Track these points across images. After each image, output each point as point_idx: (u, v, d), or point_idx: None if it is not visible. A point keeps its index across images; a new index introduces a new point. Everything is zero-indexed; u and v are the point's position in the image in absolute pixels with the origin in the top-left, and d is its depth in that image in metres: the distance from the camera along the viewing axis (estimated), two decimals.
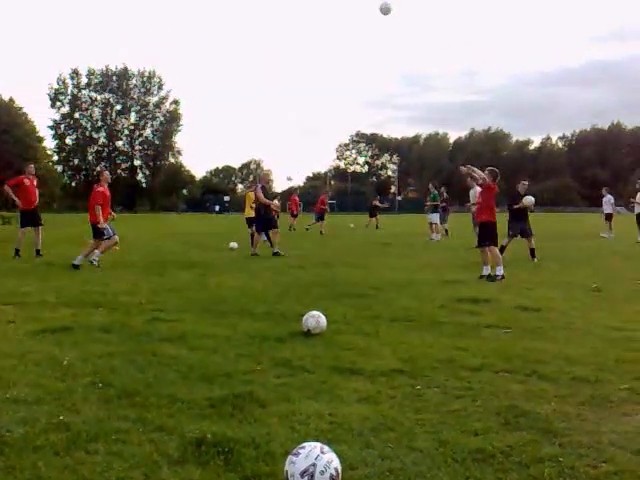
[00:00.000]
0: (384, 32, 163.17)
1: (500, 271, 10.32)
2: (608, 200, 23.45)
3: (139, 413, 3.71)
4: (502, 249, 13.77)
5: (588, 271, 11.59)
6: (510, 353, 5.16)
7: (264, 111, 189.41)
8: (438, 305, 7.62)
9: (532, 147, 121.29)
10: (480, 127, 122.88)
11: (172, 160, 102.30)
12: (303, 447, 2.66)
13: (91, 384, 4.30)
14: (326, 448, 2.68)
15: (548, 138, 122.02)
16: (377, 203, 33.90)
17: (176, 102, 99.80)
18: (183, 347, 5.39)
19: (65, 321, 6.52)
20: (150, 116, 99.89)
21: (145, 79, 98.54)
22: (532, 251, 13.78)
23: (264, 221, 15.30)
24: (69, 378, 4.45)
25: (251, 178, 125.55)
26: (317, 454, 2.60)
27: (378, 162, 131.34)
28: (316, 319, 5.98)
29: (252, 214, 17.03)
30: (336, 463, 2.64)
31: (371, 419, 3.55)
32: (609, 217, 23.07)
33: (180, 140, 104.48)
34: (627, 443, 3.23)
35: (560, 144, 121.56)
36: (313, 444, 2.69)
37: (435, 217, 21.99)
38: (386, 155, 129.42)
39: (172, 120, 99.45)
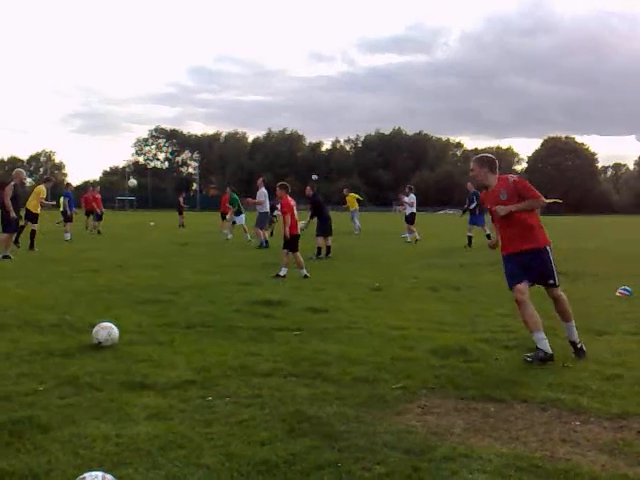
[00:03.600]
0: (174, 22, 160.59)
1: (303, 272, 11.19)
2: (409, 200, 23.86)
3: None
4: (320, 250, 15.10)
5: (373, 270, 12.48)
6: (298, 356, 5.41)
7: (52, 99, 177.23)
8: (234, 309, 7.74)
9: (324, 149, 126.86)
10: (276, 128, 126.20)
11: None
12: (83, 478, 2.59)
13: None
14: (109, 476, 2.63)
15: (337, 141, 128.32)
16: (180, 200, 33.25)
17: None
18: None
19: None
20: None
21: None
22: (329, 249, 15.04)
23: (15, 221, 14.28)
24: None
25: (41, 171, 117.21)
26: None
27: (179, 159, 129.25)
28: (108, 331, 5.80)
29: (39, 210, 16.08)
30: None
31: (160, 437, 3.53)
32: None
33: None
34: (399, 443, 3.52)
35: (347, 147, 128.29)
36: (94, 473, 2.63)
37: (240, 219, 22.14)
38: (187, 152, 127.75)
39: None
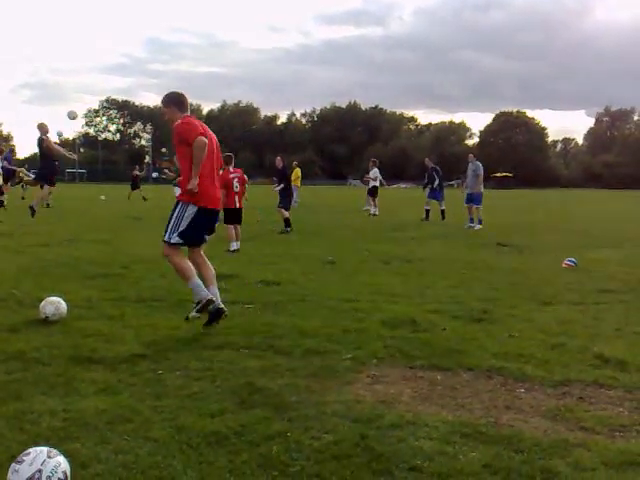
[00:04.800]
0: None
1: (235, 246, 11.23)
2: (372, 174, 22.83)
3: None
4: (288, 221, 15.06)
5: (326, 243, 12.53)
6: (250, 329, 5.41)
7: (1, 70, 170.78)
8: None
9: (279, 122, 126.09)
10: (231, 100, 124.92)
11: None
12: (28, 453, 2.55)
13: None
14: (54, 452, 2.60)
15: (293, 114, 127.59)
16: (137, 173, 32.77)
17: None
18: None
19: None
20: None
21: None
22: (287, 221, 15.03)
23: None
24: None
25: None
26: (43, 459, 2.50)
27: (131, 130, 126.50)
28: (55, 305, 5.69)
29: None
30: (64, 467, 2.57)
31: (108, 411, 3.50)
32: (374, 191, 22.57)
33: None
34: (347, 412, 3.56)
35: (303, 121, 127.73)
36: (39, 449, 2.59)
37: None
38: (139, 123, 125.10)
39: None
